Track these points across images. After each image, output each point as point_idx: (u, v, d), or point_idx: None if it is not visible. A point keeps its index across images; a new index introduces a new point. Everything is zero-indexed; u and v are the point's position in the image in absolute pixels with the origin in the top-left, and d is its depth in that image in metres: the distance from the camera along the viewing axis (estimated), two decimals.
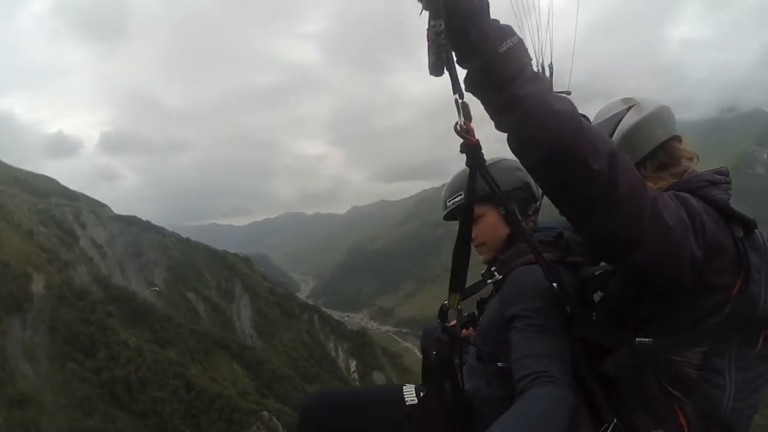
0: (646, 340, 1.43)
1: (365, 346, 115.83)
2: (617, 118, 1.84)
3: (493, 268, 2.10)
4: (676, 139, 1.83)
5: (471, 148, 1.48)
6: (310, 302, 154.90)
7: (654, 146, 1.78)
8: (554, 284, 1.62)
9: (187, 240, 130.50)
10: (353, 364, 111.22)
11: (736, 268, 1.43)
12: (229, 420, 54.70)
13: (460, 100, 1.39)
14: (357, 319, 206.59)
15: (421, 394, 2.13)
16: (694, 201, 1.44)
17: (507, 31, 1.31)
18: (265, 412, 56.87)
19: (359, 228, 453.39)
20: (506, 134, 1.34)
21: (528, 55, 1.33)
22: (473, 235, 2.01)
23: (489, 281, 2.10)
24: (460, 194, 1.77)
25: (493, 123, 1.39)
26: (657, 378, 1.47)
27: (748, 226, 1.47)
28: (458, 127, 1.44)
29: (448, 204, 2.24)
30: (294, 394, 73.65)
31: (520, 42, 1.31)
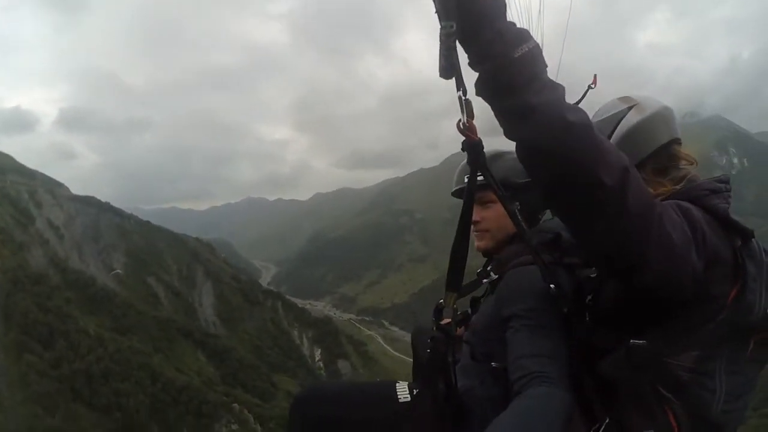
0: (640, 342, 1.46)
1: (330, 334, 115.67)
2: (618, 118, 1.79)
3: (489, 267, 2.10)
4: (677, 141, 1.79)
5: (473, 146, 1.47)
6: (273, 289, 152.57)
7: (655, 148, 1.75)
8: (552, 285, 1.63)
9: (147, 223, 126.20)
10: (318, 352, 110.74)
11: (733, 277, 1.44)
12: (198, 413, 52.76)
13: (464, 97, 1.36)
14: (320, 307, 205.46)
15: (414, 392, 2.13)
16: (695, 211, 1.44)
17: (524, 35, 1.25)
18: (235, 405, 55.36)
19: (322, 215, 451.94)
20: (515, 142, 1.31)
21: (544, 61, 1.28)
22: (478, 218, 2.08)
23: (485, 281, 2.08)
24: (480, 176, 1.62)
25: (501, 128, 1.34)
26: (650, 380, 1.49)
27: (746, 235, 1.48)
28: (461, 124, 1.42)
29: (465, 180, 2.00)
30: (261, 384, 72.31)
31: (537, 47, 1.26)
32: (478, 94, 1.31)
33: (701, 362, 1.46)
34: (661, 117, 1.77)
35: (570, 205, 1.32)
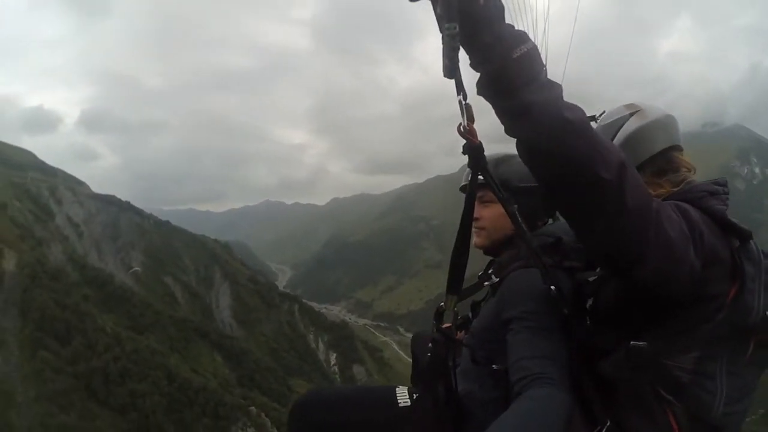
0: (640, 343, 1.48)
1: (346, 339, 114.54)
2: (619, 123, 1.87)
3: (490, 271, 2.12)
4: (677, 149, 1.85)
5: (474, 149, 1.49)
6: (290, 292, 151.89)
7: (654, 153, 1.81)
8: (552, 287, 1.64)
9: (167, 223, 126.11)
10: (333, 356, 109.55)
11: (731, 278, 1.47)
12: (215, 415, 51.54)
13: (464, 102, 1.39)
14: (335, 311, 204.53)
15: (414, 396, 2.17)
16: (693, 211, 1.48)
17: (521, 37, 1.29)
18: (252, 408, 54.07)
19: (339, 220, 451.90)
20: (515, 140, 1.35)
21: (541, 62, 1.31)
22: (478, 215, 2.12)
23: (486, 283, 2.10)
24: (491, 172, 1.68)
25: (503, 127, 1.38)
26: (650, 381, 1.51)
27: (744, 236, 1.51)
28: (461, 128, 1.44)
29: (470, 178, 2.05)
30: (278, 388, 71.20)
31: (534, 48, 1.29)
32: (479, 93, 1.34)
33: (701, 363, 1.48)
34: (662, 124, 1.84)
35: (570, 203, 1.36)
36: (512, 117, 1.30)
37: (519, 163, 1.73)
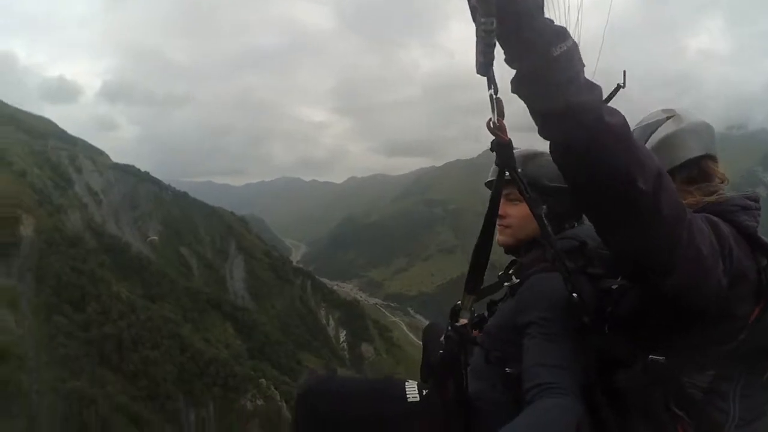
0: (659, 358, 1.45)
1: (356, 317, 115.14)
2: (654, 126, 1.82)
3: (510, 271, 2.09)
4: (711, 158, 1.78)
5: (503, 146, 1.47)
6: (303, 268, 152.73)
7: (686, 159, 1.75)
8: (574, 294, 1.60)
9: (185, 194, 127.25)
10: (343, 334, 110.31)
11: (756, 297, 1.43)
12: (225, 386, 52.15)
13: (495, 96, 1.35)
14: (347, 289, 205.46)
15: (423, 392, 2.10)
16: (723, 226, 1.43)
17: (562, 33, 1.22)
18: (262, 380, 54.59)
19: (355, 199, 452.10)
20: (549, 141, 1.31)
21: (581, 61, 1.26)
22: (504, 213, 2.08)
23: (506, 284, 2.07)
24: (520, 170, 1.63)
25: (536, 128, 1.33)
26: (664, 396, 1.49)
27: None
28: (491, 124, 1.42)
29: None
30: (287, 361, 71.94)
31: (575, 46, 1.23)
32: (514, 91, 1.28)
33: (716, 383, 1.46)
34: (697, 131, 1.78)
35: (602, 209, 1.32)
36: (550, 117, 1.25)
37: (549, 161, 1.67)
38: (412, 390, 2.12)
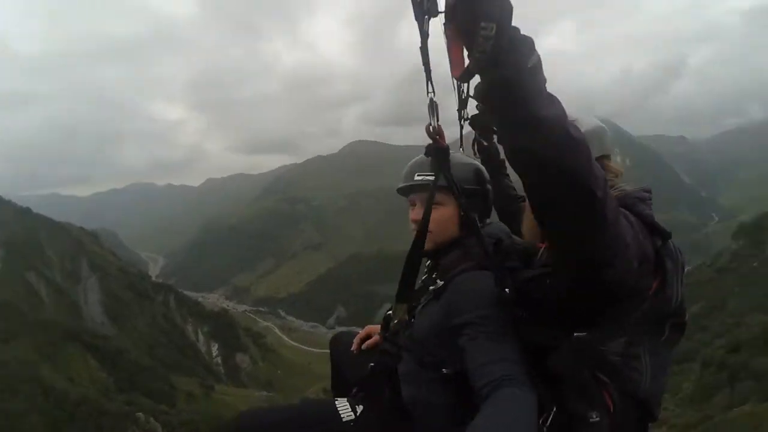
0: (582, 334, 1.61)
1: (227, 327, 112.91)
2: None
3: (434, 275, 2.06)
4: (606, 157, 2.07)
5: (441, 151, 1.51)
6: (163, 282, 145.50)
7: None
8: (506, 289, 1.68)
9: (27, 210, 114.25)
10: (215, 347, 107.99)
11: (654, 273, 1.63)
12: (100, 428, 48.18)
13: (435, 101, 1.36)
14: (213, 300, 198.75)
15: (357, 408, 2.06)
16: (630, 216, 1.59)
17: (532, 44, 1.18)
18: (139, 414, 51.98)
19: (215, 202, 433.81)
20: (511, 149, 1.30)
21: (543, 72, 1.25)
22: (420, 217, 2.01)
23: (431, 288, 2.02)
24: (433, 176, 1.70)
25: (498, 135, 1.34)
26: (590, 367, 1.64)
27: (665, 236, 1.66)
28: (431, 128, 1.43)
29: (416, 178, 2.08)
30: (161, 387, 69.33)
31: (540, 58, 1.21)
32: (478, 99, 1.25)
33: (629, 347, 1.69)
34: (594, 135, 2.01)
35: (559, 214, 1.36)
36: (518, 128, 1.23)
37: (461, 165, 1.83)
38: (344, 408, 2.09)
